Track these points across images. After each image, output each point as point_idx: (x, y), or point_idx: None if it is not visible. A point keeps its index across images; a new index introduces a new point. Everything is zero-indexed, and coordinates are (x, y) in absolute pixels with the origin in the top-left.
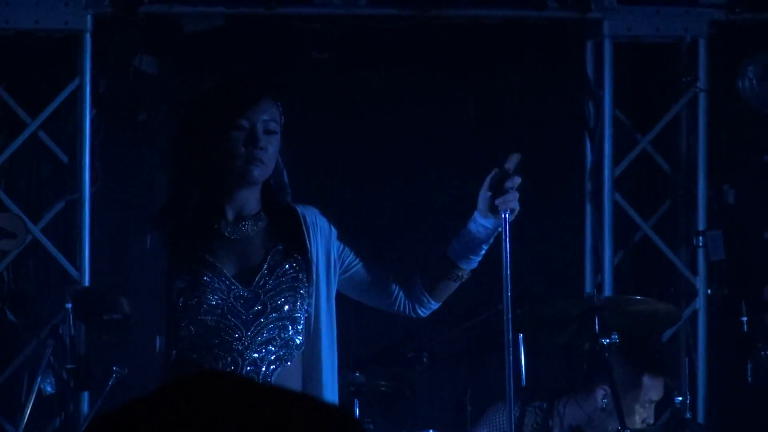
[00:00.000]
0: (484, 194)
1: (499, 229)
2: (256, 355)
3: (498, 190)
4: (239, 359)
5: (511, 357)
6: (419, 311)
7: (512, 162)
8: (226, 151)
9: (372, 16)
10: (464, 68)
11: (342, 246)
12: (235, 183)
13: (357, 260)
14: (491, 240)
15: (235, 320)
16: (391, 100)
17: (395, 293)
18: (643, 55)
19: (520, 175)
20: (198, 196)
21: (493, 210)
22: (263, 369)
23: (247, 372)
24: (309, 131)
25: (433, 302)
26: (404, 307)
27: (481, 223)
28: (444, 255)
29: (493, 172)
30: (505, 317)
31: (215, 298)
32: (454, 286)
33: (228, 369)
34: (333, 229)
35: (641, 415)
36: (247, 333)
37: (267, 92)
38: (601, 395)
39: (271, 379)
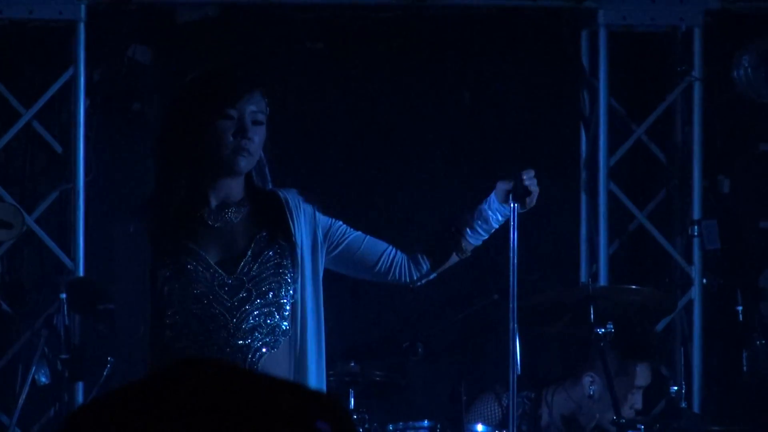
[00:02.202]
0: (502, 187)
1: (508, 215)
2: (241, 342)
3: (516, 191)
4: (225, 347)
5: (512, 346)
6: (417, 280)
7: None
8: (213, 140)
9: (366, 5)
10: (459, 57)
11: (330, 221)
12: (220, 172)
13: (349, 233)
14: (500, 224)
15: (219, 308)
16: (385, 90)
17: (390, 260)
18: (638, 44)
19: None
20: (183, 184)
21: (506, 199)
22: (249, 356)
23: (234, 360)
24: (303, 120)
25: (431, 271)
26: (401, 275)
27: (498, 207)
28: (455, 228)
29: (524, 176)
30: (510, 305)
31: (200, 286)
32: (455, 259)
33: (214, 357)
34: (315, 205)
35: (630, 401)
36: (232, 320)
37: (256, 83)
38: (588, 382)
39: (257, 366)
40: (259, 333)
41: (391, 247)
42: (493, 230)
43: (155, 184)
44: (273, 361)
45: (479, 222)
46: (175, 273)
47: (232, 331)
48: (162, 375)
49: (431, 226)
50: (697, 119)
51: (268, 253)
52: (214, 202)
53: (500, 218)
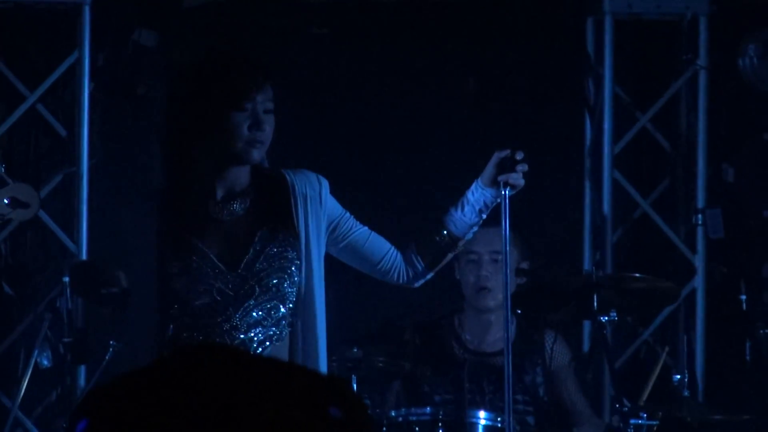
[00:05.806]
0: (491, 168)
1: (498, 200)
2: (243, 336)
3: (504, 168)
4: (228, 341)
5: (508, 334)
6: (413, 280)
7: (520, 155)
8: (227, 132)
9: None
10: (464, 44)
11: (340, 211)
12: (231, 162)
13: (355, 227)
14: (488, 210)
15: (223, 303)
16: (390, 76)
17: (391, 262)
18: (643, 32)
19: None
20: (193, 177)
21: (496, 183)
22: (253, 350)
23: None
24: (308, 106)
25: (427, 271)
26: (399, 276)
27: (481, 192)
28: (440, 223)
29: (506, 152)
30: (503, 293)
31: (204, 283)
32: (449, 255)
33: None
34: (324, 186)
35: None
36: (235, 315)
37: (267, 74)
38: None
39: None
40: (263, 326)
41: (393, 249)
42: (480, 220)
43: (164, 176)
44: (278, 354)
45: (468, 214)
46: (180, 269)
47: (235, 324)
48: (173, 360)
49: (423, 226)
50: (702, 108)
51: (272, 248)
52: (220, 193)
53: (485, 202)
